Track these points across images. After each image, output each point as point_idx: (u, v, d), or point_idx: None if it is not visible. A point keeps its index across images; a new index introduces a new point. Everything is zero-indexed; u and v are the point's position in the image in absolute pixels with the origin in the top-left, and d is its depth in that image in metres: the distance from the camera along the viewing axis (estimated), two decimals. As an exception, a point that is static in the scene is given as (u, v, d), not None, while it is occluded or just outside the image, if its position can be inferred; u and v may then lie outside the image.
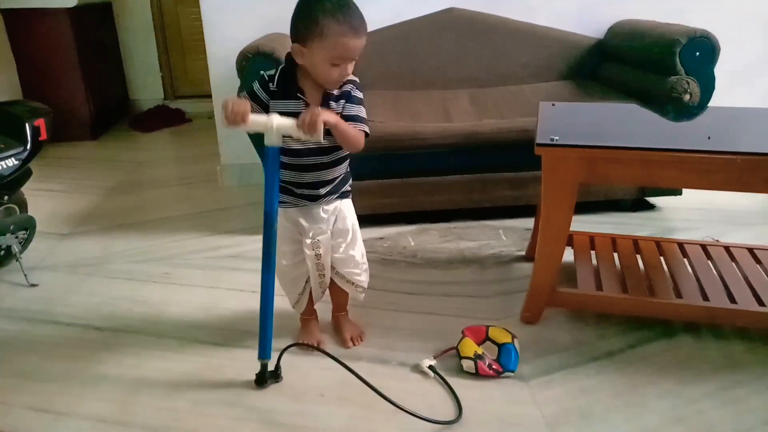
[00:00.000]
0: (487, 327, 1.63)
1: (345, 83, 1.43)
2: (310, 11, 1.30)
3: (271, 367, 1.53)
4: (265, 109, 1.41)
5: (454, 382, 1.52)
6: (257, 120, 1.32)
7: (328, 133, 1.33)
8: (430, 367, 1.56)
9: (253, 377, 1.53)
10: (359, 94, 1.44)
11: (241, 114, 1.29)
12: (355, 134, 1.39)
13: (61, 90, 3.70)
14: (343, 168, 1.52)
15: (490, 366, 1.54)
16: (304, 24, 1.31)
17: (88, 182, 3.11)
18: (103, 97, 4.01)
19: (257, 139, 2.15)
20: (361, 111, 1.43)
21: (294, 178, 1.47)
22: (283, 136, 1.35)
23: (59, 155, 3.57)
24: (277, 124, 1.31)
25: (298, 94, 1.39)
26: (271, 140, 1.34)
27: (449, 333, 1.66)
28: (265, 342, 1.49)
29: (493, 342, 1.59)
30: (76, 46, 3.65)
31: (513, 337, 1.60)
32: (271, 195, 1.39)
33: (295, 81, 1.40)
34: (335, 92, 1.42)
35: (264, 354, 1.50)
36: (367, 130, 1.42)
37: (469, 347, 1.57)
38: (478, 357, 1.54)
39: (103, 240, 2.41)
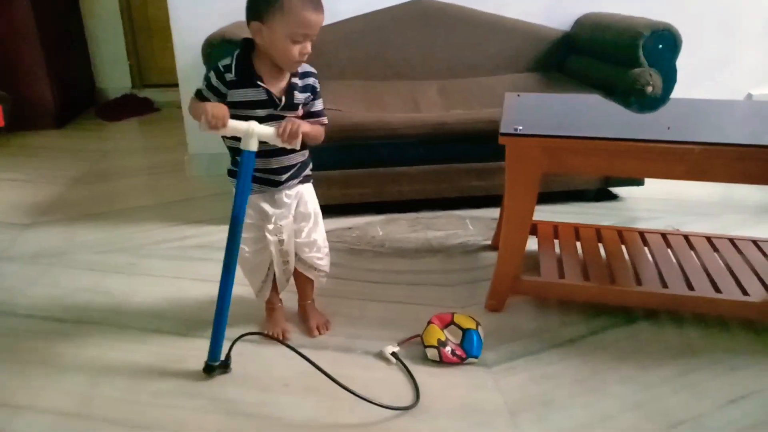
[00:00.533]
0: (453, 314, 1.64)
1: (308, 75, 1.44)
2: None
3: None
4: (224, 101, 1.39)
5: (419, 369, 1.54)
6: (237, 126, 1.34)
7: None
8: (393, 354, 1.57)
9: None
10: (319, 87, 1.48)
11: (220, 119, 1.31)
12: (319, 133, 1.47)
13: (23, 77, 3.61)
14: (305, 153, 1.53)
15: (453, 352, 1.55)
16: (264, 1, 1.30)
17: (52, 172, 3.04)
18: (68, 85, 3.92)
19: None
20: (322, 104, 1.50)
21: (258, 164, 1.46)
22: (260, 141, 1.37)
23: (22, 144, 3.49)
24: (257, 131, 1.34)
25: (258, 82, 1.38)
26: (249, 145, 1.35)
27: (416, 321, 1.67)
28: (216, 345, 1.49)
29: (458, 326, 1.60)
30: (39, 32, 3.55)
31: (477, 324, 1.62)
32: (241, 199, 1.40)
33: (252, 67, 1.38)
34: (299, 82, 1.42)
35: (214, 356, 1.50)
36: (326, 121, 1.51)
37: (433, 335, 1.58)
38: (441, 344, 1.56)
39: (66, 230, 2.37)
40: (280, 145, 1.36)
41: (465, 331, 1.59)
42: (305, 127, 1.37)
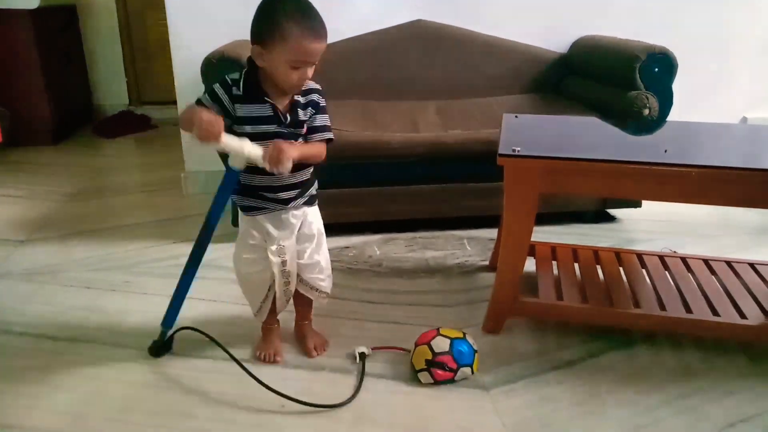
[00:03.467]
0: (438, 328, 1.60)
1: (311, 92, 1.44)
2: (272, 13, 1.30)
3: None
4: (225, 113, 1.38)
5: (417, 392, 1.52)
6: (230, 142, 1.32)
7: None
8: (361, 354, 1.58)
9: (214, 387, 1.51)
10: (324, 103, 1.47)
11: (215, 133, 1.29)
12: (318, 152, 1.45)
13: (21, 93, 3.61)
14: (309, 170, 1.52)
15: (444, 366, 1.52)
16: (265, 26, 1.31)
17: (48, 188, 3.03)
18: (65, 101, 3.93)
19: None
20: (327, 120, 1.48)
21: (264, 182, 1.45)
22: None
23: (18, 160, 3.48)
24: (247, 150, 1.33)
25: (265, 98, 1.38)
26: (236, 163, 1.35)
27: (413, 342, 1.65)
28: (172, 312, 1.62)
29: (445, 336, 1.56)
30: (37, 49, 3.57)
31: (464, 334, 1.59)
32: (217, 211, 1.47)
33: (259, 84, 1.39)
34: (301, 100, 1.42)
35: (168, 322, 1.62)
36: (332, 137, 1.48)
37: (420, 358, 1.55)
38: (430, 364, 1.53)
39: (60, 247, 2.35)
40: (268, 170, 1.33)
41: (453, 340, 1.55)
42: (294, 152, 1.33)
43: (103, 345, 1.72)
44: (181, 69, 2.74)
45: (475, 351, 1.57)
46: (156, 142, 3.99)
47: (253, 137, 1.37)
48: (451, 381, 1.54)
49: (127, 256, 2.27)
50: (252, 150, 1.33)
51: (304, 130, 1.45)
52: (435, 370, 1.53)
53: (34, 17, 3.52)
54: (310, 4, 1.33)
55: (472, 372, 1.56)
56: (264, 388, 1.47)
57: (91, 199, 2.90)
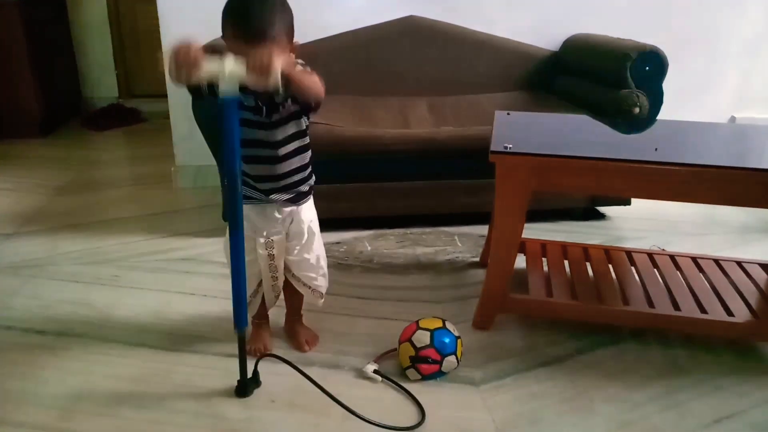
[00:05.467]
0: (417, 321, 1.60)
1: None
2: (225, 8, 1.30)
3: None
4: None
5: (408, 388, 1.52)
6: (211, 66, 1.17)
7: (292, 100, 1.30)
8: (376, 372, 1.56)
9: (203, 382, 1.50)
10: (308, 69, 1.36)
11: (193, 60, 1.15)
12: (312, 79, 1.28)
13: (8, 85, 3.58)
14: (296, 162, 1.46)
15: (428, 360, 1.52)
16: (222, 18, 1.30)
17: (36, 181, 3.00)
18: (54, 94, 3.89)
19: (213, 140, 2.12)
20: (313, 73, 1.32)
21: (246, 170, 1.43)
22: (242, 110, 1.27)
23: (5, 153, 3.45)
24: (230, 70, 1.17)
25: (244, 89, 1.33)
26: (226, 88, 1.19)
27: (401, 339, 1.66)
28: (240, 309, 1.41)
29: (425, 329, 1.56)
30: (25, 40, 3.53)
31: (444, 321, 1.59)
32: (231, 152, 1.27)
33: None
34: None
35: (241, 322, 1.43)
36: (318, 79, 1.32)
37: (405, 356, 1.55)
38: (414, 360, 1.53)
39: (49, 241, 2.33)
40: (258, 84, 1.19)
41: (433, 332, 1.55)
42: (279, 61, 1.15)
43: (92, 339, 1.71)
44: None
45: (457, 337, 1.58)
46: (146, 135, 3.96)
47: (240, 123, 1.30)
48: (440, 373, 1.55)
49: (116, 250, 2.26)
50: (234, 68, 1.17)
51: (285, 112, 1.38)
52: (420, 366, 1.53)
53: (21, 8, 3.48)
54: (246, 2, 1.28)
55: (458, 360, 1.56)
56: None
57: (80, 193, 2.88)
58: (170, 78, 1.19)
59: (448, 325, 1.58)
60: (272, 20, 1.28)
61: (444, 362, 1.54)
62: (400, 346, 1.58)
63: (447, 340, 1.55)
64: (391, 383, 1.54)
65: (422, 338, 1.54)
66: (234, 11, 1.28)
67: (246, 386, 1.48)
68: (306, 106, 1.37)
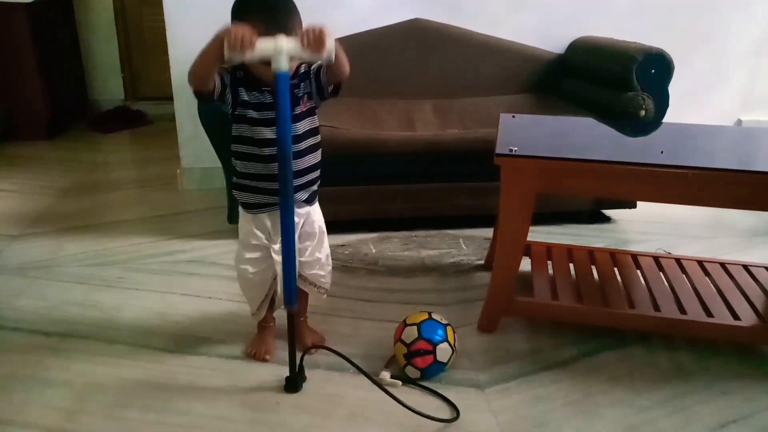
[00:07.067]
0: (404, 319, 1.60)
1: (299, 68, 1.42)
2: (239, 4, 1.35)
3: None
4: (228, 85, 1.38)
5: (411, 392, 1.52)
6: (265, 44, 1.24)
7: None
8: (394, 377, 1.55)
9: (209, 384, 1.50)
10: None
11: (248, 38, 1.21)
12: (343, 54, 1.34)
13: (15, 87, 3.59)
14: (312, 159, 1.48)
15: (420, 352, 1.52)
16: (239, 13, 1.35)
17: (42, 183, 3.01)
18: (60, 96, 3.90)
19: (218, 143, 2.13)
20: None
21: (263, 170, 1.43)
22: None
23: (12, 154, 3.46)
24: (285, 47, 1.25)
25: (263, 88, 1.38)
26: (280, 64, 1.26)
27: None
28: (291, 285, 1.43)
29: (411, 324, 1.56)
30: (33, 42, 3.54)
31: (429, 313, 1.59)
32: (284, 121, 1.31)
33: (253, 74, 1.39)
34: (295, 80, 1.41)
35: (291, 299, 1.44)
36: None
37: (400, 355, 1.56)
38: (408, 357, 1.53)
39: (55, 242, 2.34)
40: (312, 58, 1.27)
41: (419, 324, 1.55)
42: (328, 29, 1.23)
43: (98, 341, 1.72)
44: (177, 64, 2.73)
45: (446, 325, 1.57)
46: (151, 137, 3.97)
47: (260, 122, 1.38)
48: (438, 364, 1.54)
49: (122, 251, 2.27)
50: (287, 44, 1.25)
51: (303, 107, 1.43)
52: (415, 360, 1.53)
53: (29, 10, 3.50)
54: (270, 2, 1.35)
55: (452, 348, 1.55)
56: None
57: (86, 195, 2.89)
58: (226, 54, 1.23)
59: (435, 316, 1.59)
60: (293, 12, 1.36)
61: (437, 351, 1.53)
62: (394, 349, 1.58)
63: (434, 329, 1.55)
64: (410, 386, 1.53)
65: (411, 333, 1.55)
66: (259, 3, 1.34)
67: (296, 381, 1.49)
68: (338, 85, 1.43)
